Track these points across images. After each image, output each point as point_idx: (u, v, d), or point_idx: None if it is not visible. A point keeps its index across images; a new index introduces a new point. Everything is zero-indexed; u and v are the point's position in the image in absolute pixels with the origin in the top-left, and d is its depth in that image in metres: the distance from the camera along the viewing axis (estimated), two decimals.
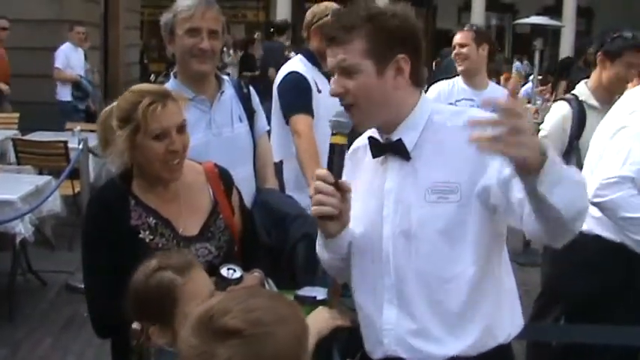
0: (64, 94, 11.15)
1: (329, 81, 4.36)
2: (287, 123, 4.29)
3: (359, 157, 2.47)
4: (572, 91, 4.54)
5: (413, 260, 2.28)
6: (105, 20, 13.77)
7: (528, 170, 1.91)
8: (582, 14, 28.42)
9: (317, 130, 4.21)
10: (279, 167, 4.01)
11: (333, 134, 2.44)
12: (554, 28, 17.80)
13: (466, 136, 1.96)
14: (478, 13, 28.29)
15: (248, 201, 3.33)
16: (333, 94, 2.36)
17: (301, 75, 4.35)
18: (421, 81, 2.38)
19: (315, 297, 2.93)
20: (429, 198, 2.25)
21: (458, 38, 5.59)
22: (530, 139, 1.87)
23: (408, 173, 2.30)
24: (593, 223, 3.63)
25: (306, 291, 2.96)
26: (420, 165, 2.30)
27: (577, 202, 2.01)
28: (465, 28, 5.69)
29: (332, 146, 2.41)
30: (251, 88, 3.70)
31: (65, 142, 7.94)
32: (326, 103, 4.37)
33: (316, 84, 4.34)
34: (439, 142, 2.29)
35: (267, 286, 2.94)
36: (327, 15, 4.34)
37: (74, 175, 7.31)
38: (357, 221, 2.42)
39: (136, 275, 2.27)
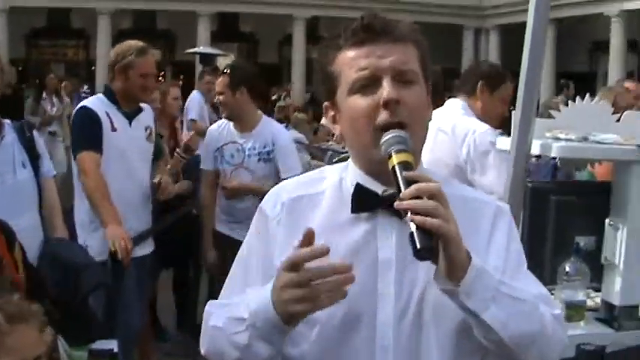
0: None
1: (129, 121, 4.39)
2: (74, 159, 4.16)
3: (303, 209, 1.86)
4: None
5: (423, 353, 1.76)
6: None
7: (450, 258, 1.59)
8: None
9: (109, 167, 4.13)
10: (69, 212, 3.88)
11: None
12: None
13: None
14: (299, 47, 28.95)
15: (35, 250, 3.22)
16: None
17: (90, 110, 4.25)
18: None
19: (112, 349, 2.85)
20: None
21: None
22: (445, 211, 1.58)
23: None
24: None
25: (101, 344, 2.87)
26: None
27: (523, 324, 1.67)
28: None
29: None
30: (35, 131, 3.56)
31: None
32: (121, 142, 4.27)
33: (111, 122, 4.23)
34: None
35: (59, 343, 2.80)
36: (131, 54, 4.29)
37: None
38: None
39: None
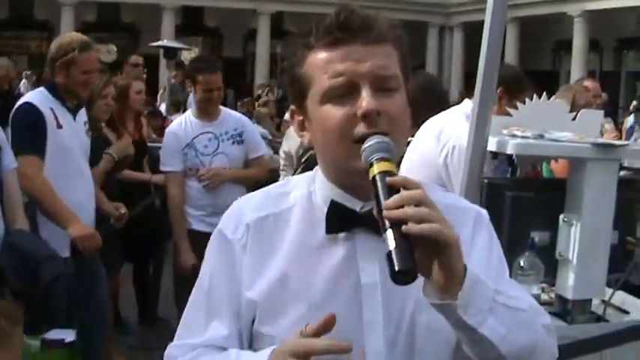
0: None
1: (74, 117, 4.25)
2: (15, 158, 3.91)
3: (270, 231, 1.64)
4: None
5: None
6: None
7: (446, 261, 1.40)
8: None
9: (56, 165, 4.00)
10: (32, 206, 3.82)
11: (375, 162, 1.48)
12: None
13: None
14: (263, 42, 28.91)
15: None
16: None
17: (35, 107, 4.04)
18: None
19: (63, 340, 2.85)
20: None
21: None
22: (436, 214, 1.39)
23: None
24: None
25: (54, 334, 2.86)
26: None
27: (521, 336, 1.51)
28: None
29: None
30: None
31: None
32: (67, 139, 4.13)
33: (56, 119, 4.07)
34: None
35: None
36: (73, 49, 4.11)
37: None
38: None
39: None
